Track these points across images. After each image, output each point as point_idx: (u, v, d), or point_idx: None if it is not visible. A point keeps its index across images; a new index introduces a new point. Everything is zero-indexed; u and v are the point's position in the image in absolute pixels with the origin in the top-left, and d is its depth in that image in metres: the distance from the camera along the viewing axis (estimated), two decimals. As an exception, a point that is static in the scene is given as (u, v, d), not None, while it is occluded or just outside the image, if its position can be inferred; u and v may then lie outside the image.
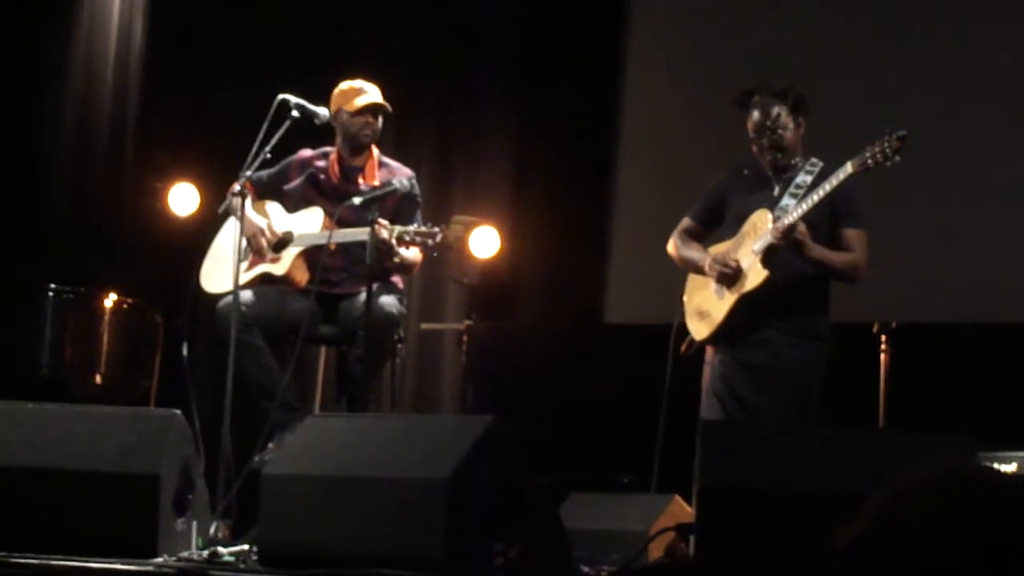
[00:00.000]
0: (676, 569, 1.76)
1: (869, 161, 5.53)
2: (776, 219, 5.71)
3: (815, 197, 5.63)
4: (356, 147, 6.44)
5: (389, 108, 6.43)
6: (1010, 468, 6.48)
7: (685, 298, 6.06)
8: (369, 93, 6.43)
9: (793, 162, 5.89)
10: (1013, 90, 8.08)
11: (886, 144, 5.50)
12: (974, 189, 8.04)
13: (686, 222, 6.14)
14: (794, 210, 5.67)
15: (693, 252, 6.04)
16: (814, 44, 8.40)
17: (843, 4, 8.54)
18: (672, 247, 6.12)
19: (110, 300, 7.54)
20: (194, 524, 4.91)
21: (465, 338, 8.30)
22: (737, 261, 5.82)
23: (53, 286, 7.47)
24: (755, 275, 5.76)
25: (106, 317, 7.50)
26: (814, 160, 5.84)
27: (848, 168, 5.58)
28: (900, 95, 8.02)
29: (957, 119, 8.11)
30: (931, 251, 8.01)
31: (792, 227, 5.63)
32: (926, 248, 8.00)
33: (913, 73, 8.21)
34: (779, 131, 5.84)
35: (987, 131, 8.07)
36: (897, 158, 5.51)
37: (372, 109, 6.40)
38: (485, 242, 8.40)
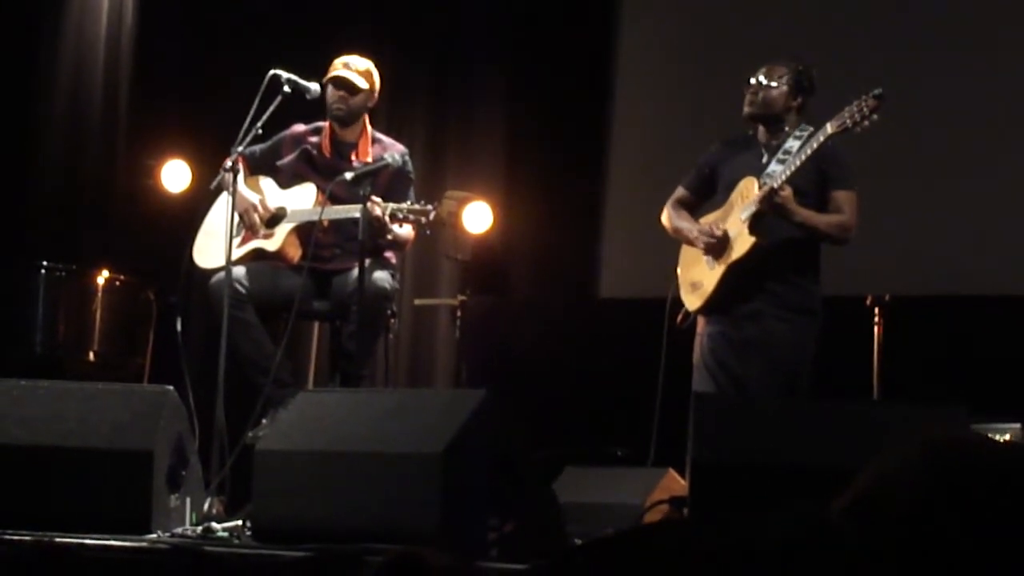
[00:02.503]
0: (665, 532, 1.76)
1: (848, 121, 5.55)
2: (763, 186, 5.72)
3: (798, 161, 5.65)
4: (333, 120, 6.41)
5: (354, 83, 6.33)
6: (1004, 439, 6.50)
7: (679, 270, 6.07)
8: (342, 68, 6.38)
9: (785, 129, 5.89)
10: (1008, 65, 8.06)
11: (864, 104, 5.54)
12: (968, 161, 8.04)
13: (679, 192, 6.14)
14: (780, 176, 5.69)
15: (684, 222, 6.04)
16: (810, 18, 8.38)
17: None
18: (665, 217, 6.12)
19: (103, 277, 7.53)
20: (188, 500, 4.92)
21: (459, 313, 8.28)
22: (724, 230, 5.83)
23: (46, 263, 7.46)
24: (742, 243, 5.77)
25: (99, 294, 7.49)
26: (804, 125, 5.85)
27: (828, 129, 5.61)
28: (895, 71, 8.00)
29: (952, 93, 8.10)
30: (924, 223, 8.01)
31: (774, 191, 5.64)
32: (919, 220, 8.00)
33: (907, 50, 8.19)
34: (767, 86, 5.86)
35: (981, 104, 8.06)
36: (875, 116, 5.54)
37: (336, 82, 6.36)
38: (478, 217, 8.38)
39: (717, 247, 5.84)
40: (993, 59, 8.08)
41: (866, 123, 5.54)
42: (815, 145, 5.62)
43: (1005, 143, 8.00)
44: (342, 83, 6.33)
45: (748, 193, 5.79)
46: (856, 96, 5.59)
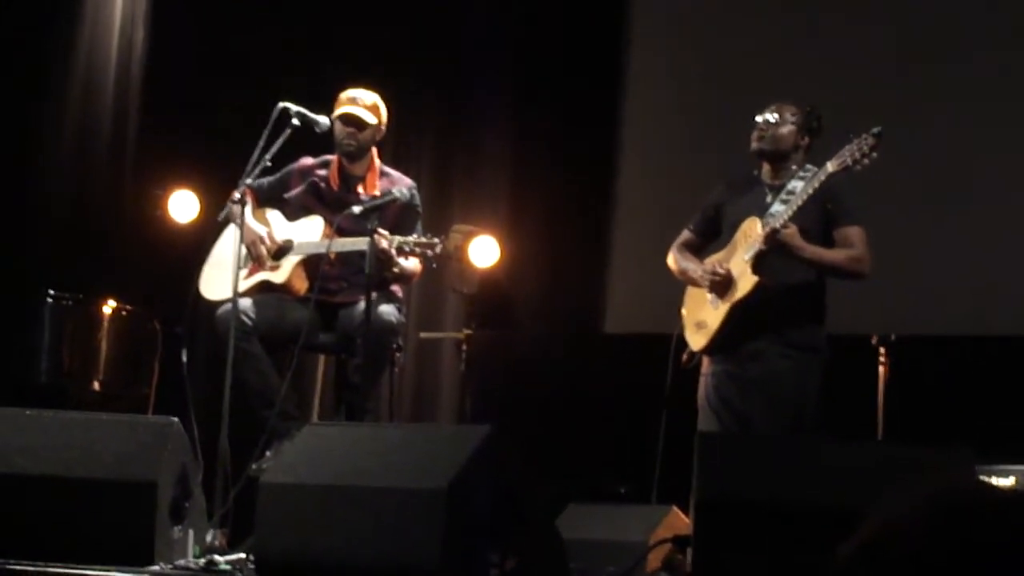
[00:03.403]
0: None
1: (848, 160, 5.57)
2: (765, 226, 5.73)
3: (800, 201, 5.66)
4: (343, 155, 6.43)
5: (363, 119, 6.35)
6: (1008, 481, 6.48)
7: (684, 310, 6.07)
8: (350, 103, 6.39)
9: (791, 168, 5.89)
10: (1015, 104, 8.08)
11: (863, 142, 5.55)
12: (973, 201, 8.04)
13: (685, 235, 6.16)
14: (783, 216, 5.69)
15: (688, 263, 6.05)
16: (817, 58, 8.41)
17: (844, 19, 8.53)
18: (671, 260, 6.13)
19: (109, 307, 7.53)
20: (191, 532, 4.91)
21: (464, 347, 8.29)
22: (727, 269, 5.84)
23: (52, 292, 7.46)
24: (746, 282, 5.76)
25: (105, 324, 7.49)
26: (808, 166, 5.86)
27: (828, 168, 5.62)
28: (901, 110, 8.02)
29: (958, 132, 8.12)
30: (930, 263, 8.02)
31: (776, 231, 5.64)
32: (925, 260, 8.01)
33: (913, 89, 8.21)
34: (776, 123, 5.88)
35: (988, 144, 8.08)
36: (875, 154, 5.55)
37: (344, 119, 6.38)
38: (484, 251, 8.40)
39: (721, 286, 5.85)
40: (1001, 99, 8.10)
41: (866, 161, 5.56)
42: (816, 184, 5.63)
43: (1012, 183, 8.01)
44: (351, 120, 6.34)
45: (751, 233, 5.79)
46: (857, 134, 5.60)
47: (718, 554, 4.38)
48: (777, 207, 5.77)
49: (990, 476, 6.35)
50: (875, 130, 5.58)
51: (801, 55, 8.45)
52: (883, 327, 7.23)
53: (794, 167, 5.89)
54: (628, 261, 8.77)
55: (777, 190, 5.86)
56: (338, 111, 6.35)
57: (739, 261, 5.81)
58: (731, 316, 5.82)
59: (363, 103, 6.38)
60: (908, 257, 7.85)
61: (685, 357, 5.99)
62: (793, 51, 8.49)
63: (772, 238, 5.65)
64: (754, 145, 5.94)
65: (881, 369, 7.06)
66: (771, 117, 5.91)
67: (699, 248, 6.12)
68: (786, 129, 5.91)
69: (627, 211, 8.91)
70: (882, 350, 7.08)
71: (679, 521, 5.79)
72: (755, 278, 5.73)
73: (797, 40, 8.55)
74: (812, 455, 4.71)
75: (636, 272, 8.53)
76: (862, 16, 8.48)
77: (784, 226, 5.65)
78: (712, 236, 6.10)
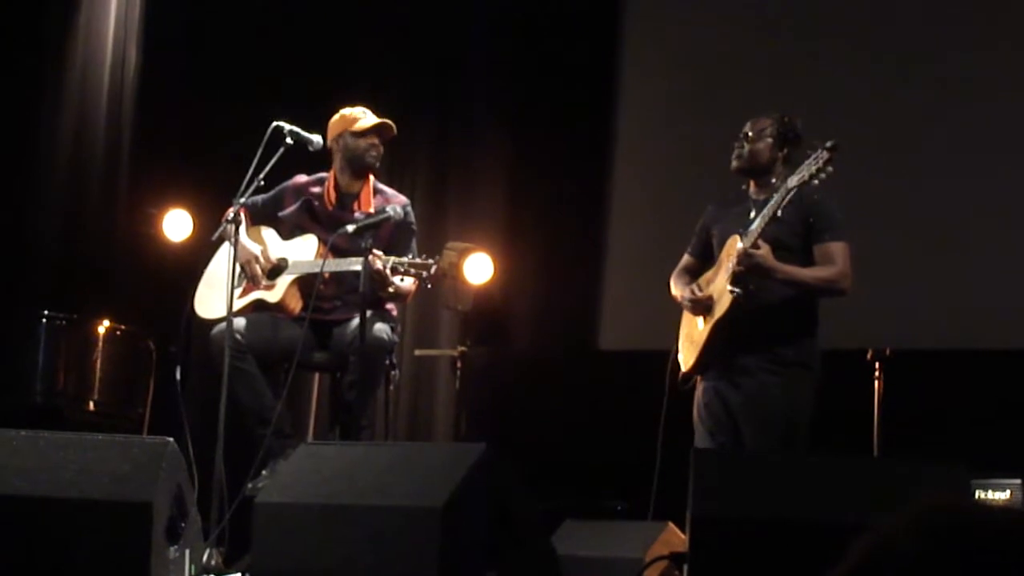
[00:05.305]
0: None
1: (806, 175, 5.57)
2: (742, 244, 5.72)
3: (765, 219, 5.65)
4: (360, 170, 6.41)
5: (394, 129, 6.43)
6: (1004, 495, 6.49)
7: (681, 329, 6.06)
8: (370, 114, 6.43)
9: (772, 183, 5.88)
10: (1009, 118, 8.09)
11: (819, 156, 5.56)
12: (968, 215, 8.05)
13: (685, 259, 6.16)
14: (753, 234, 5.67)
15: (677, 288, 6.06)
16: (809, 75, 8.42)
17: (838, 34, 8.55)
18: (672, 287, 6.12)
19: (104, 327, 7.52)
20: (187, 552, 4.90)
21: (459, 364, 8.29)
22: (705, 292, 5.84)
23: (47, 312, 7.45)
24: (724, 301, 5.76)
25: (100, 344, 7.48)
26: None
27: (789, 184, 5.62)
28: (893, 124, 8.04)
29: (952, 145, 8.13)
30: (925, 277, 8.02)
31: (747, 252, 5.62)
32: (920, 274, 8.01)
33: (905, 103, 8.22)
34: (755, 139, 5.87)
35: (982, 158, 8.09)
36: (830, 168, 5.56)
37: (378, 129, 6.39)
38: (479, 269, 8.40)
39: (700, 308, 5.86)
40: (992, 114, 8.11)
41: (823, 175, 5.57)
42: (781, 202, 5.63)
43: (1007, 196, 8.02)
44: (387, 130, 6.38)
45: (733, 251, 5.77)
46: (814, 148, 5.62)
47: (714, 571, 4.38)
48: (757, 224, 5.76)
49: (986, 490, 6.35)
50: (829, 144, 5.59)
51: (795, 72, 8.46)
52: (878, 341, 7.23)
53: (776, 180, 5.87)
54: (622, 278, 8.77)
55: (761, 205, 5.85)
56: (367, 122, 6.35)
57: (722, 280, 5.81)
58: (714, 334, 5.81)
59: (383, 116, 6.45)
60: (902, 271, 7.86)
61: (681, 378, 5.99)
62: (787, 69, 8.49)
63: (744, 261, 5.64)
64: (734, 164, 5.95)
65: (876, 384, 7.06)
66: (749, 132, 5.92)
67: (700, 270, 6.11)
68: (763, 143, 5.90)
69: (621, 228, 8.91)
70: (877, 364, 7.08)
71: (675, 538, 5.79)
72: (731, 296, 5.72)
73: (791, 58, 8.55)
74: (808, 471, 4.71)
75: (630, 289, 8.53)
76: (856, 30, 8.49)
77: (755, 246, 5.63)
78: (711, 256, 6.10)
